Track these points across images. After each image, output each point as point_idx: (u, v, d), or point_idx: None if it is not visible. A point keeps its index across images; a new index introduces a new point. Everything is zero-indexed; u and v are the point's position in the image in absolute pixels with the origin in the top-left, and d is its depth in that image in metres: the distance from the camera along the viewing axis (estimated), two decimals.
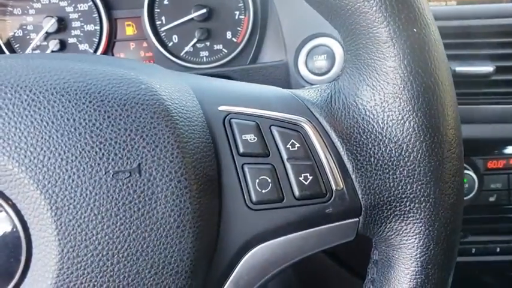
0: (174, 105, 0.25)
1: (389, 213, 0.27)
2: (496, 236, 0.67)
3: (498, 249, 0.67)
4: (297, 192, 0.27)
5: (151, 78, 0.26)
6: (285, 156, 0.27)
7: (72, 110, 0.23)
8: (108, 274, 0.23)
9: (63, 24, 0.69)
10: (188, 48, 0.72)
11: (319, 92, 0.30)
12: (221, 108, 0.28)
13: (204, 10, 0.70)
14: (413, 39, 0.25)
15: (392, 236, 0.28)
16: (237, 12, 0.71)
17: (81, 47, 0.71)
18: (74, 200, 0.22)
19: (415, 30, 0.25)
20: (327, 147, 0.27)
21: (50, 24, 0.68)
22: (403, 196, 0.27)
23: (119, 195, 0.23)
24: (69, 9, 0.69)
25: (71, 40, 0.70)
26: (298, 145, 0.27)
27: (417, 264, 0.27)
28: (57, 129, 0.22)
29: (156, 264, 0.23)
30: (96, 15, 0.70)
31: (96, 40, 0.71)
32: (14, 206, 0.22)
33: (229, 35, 0.72)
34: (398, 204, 0.27)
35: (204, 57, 0.72)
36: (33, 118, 0.22)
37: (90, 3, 0.69)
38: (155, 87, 0.25)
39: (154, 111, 0.24)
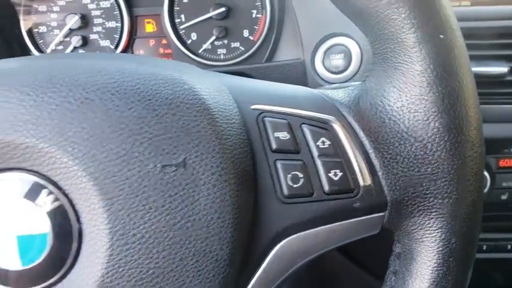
0: (214, 104, 0.27)
1: (413, 208, 0.29)
2: (507, 234, 0.69)
3: (509, 247, 0.68)
4: (326, 188, 0.28)
5: (193, 79, 0.27)
6: (315, 153, 0.29)
7: (122, 108, 0.25)
8: (154, 261, 0.24)
9: (85, 21, 0.71)
10: (206, 45, 0.73)
11: (347, 93, 0.31)
12: (254, 107, 0.29)
13: (223, 9, 0.71)
14: (440, 44, 0.27)
15: (416, 230, 0.29)
16: (254, 11, 0.73)
17: (103, 43, 0.73)
18: (124, 191, 0.24)
19: (441, 36, 0.27)
20: (355, 145, 0.29)
21: (73, 21, 0.70)
22: (427, 192, 0.28)
23: (165, 187, 0.24)
24: (91, 6, 0.71)
25: (92, 36, 0.72)
26: (328, 143, 0.29)
27: (439, 256, 0.29)
28: (109, 125, 0.24)
29: (197, 252, 0.25)
30: (117, 12, 0.71)
31: (117, 37, 0.72)
32: (67, 196, 0.24)
33: (246, 33, 0.74)
34: (422, 200, 0.29)
35: (222, 55, 0.74)
36: (86, 115, 0.24)
37: (112, 0, 0.71)
38: (197, 88, 0.27)
39: (197, 110, 0.26)
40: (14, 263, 0.24)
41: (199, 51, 0.74)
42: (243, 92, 0.30)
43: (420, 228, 0.29)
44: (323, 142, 0.29)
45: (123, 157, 0.24)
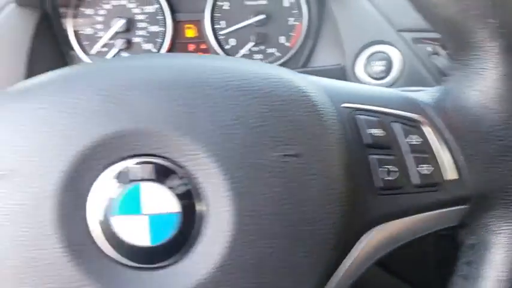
0: (319, 102, 0.29)
1: (493, 202, 0.31)
2: None
3: None
4: (415, 181, 0.31)
5: (298, 80, 0.30)
6: (406, 149, 0.31)
7: (242, 104, 0.27)
8: (272, 241, 0.27)
9: (129, 25, 0.73)
10: (244, 51, 0.76)
11: (429, 94, 0.34)
12: (344, 105, 0.32)
13: (263, 16, 0.74)
14: None
15: (493, 222, 0.32)
16: (291, 19, 0.76)
17: (145, 46, 0.75)
18: (249, 177, 0.26)
19: None
20: (442, 143, 0.31)
21: (119, 25, 0.72)
22: (508, 187, 0.31)
23: (284, 175, 0.27)
24: (136, 11, 0.74)
25: (135, 40, 0.74)
26: (416, 139, 0.31)
27: None
28: (231, 118, 0.27)
29: (308, 235, 0.27)
30: (160, 17, 0.74)
31: (160, 41, 0.75)
32: (195, 180, 0.27)
33: (282, 39, 0.76)
34: (502, 194, 0.31)
35: (258, 60, 0.76)
36: (212, 109, 0.27)
37: (157, 5, 0.73)
38: (303, 87, 0.29)
39: (306, 106, 0.28)
40: (143, 240, 0.26)
41: (237, 57, 0.76)
42: (333, 92, 0.32)
43: (498, 221, 0.32)
44: (413, 139, 0.31)
45: (247, 147, 0.26)
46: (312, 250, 0.28)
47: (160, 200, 0.26)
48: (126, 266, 0.26)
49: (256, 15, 0.75)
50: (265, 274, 0.27)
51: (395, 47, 0.63)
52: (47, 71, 0.65)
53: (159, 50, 0.75)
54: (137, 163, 0.26)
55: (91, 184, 0.26)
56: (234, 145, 0.26)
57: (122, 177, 0.26)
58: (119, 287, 0.26)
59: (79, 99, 0.26)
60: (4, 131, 0.26)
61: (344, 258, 0.31)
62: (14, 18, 0.65)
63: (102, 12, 0.73)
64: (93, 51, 0.74)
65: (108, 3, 0.73)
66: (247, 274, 0.27)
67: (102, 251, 0.26)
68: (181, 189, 0.26)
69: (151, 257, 0.27)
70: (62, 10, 0.72)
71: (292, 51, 0.76)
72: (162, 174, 0.26)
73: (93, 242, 0.26)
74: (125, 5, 0.74)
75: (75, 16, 0.73)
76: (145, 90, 0.27)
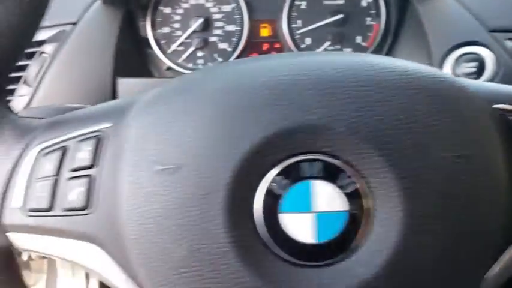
0: (479, 102, 0.28)
1: None
2: None
3: None
4: None
5: (453, 78, 0.29)
6: None
7: (414, 102, 0.26)
8: (439, 242, 0.25)
9: (207, 24, 0.74)
10: (320, 50, 0.75)
11: None
12: (495, 106, 0.30)
13: (342, 15, 0.73)
14: None
15: None
16: (369, 19, 0.74)
17: (221, 45, 0.75)
18: (421, 178, 0.25)
19: None
20: None
21: (197, 24, 0.72)
22: None
23: (453, 176, 0.26)
24: (213, 10, 0.74)
25: (212, 39, 0.74)
26: None
27: None
28: (403, 117, 0.26)
29: (475, 237, 0.26)
30: (237, 16, 0.74)
31: (235, 40, 0.74)
32: (365, 180, 0.26)
33: (359, 39, 0.75)
34: None
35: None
36: (382, 108, 0.26)
37: (234, 5, 0.73)
38: (464, 86, 0.28)
39: (471, 106, 0.28)
40: (309, 238, 0.26)
41: None
42: (482, 92, 0.31)
43: None
44: None
45: (418, 146, 0.25)
46: (477, 251, 0.26)
47: (329, 198, 0.25)
48: (290, 263, 0.26)
49: (333, 14, 0.74)
50: (429, 275, 0.26)
51: (488, 47, 0.61)
52: (131, 67, 0.65)
53: (234, 49, 0.74)
54: (307, 160, 0.26)
55: (259, 180, 0.26)
56: (405, 145, 0.25)
57: (292, 174, 0.26)
58: (282, 283, 0.25)
59: (250, 95, 0.26)
60: (172, 127, 0.26)
61: (496, 261, 0.29)
62: (100, 15, 0.66)
63: (180, 11, 0.74)
64: (170, 50, 0.74)
65: (186, 2, 0.74)
66: (412, 275, 0.26)
67: (267, 247, 0.26)
68: (350, 188, 0.26)
69: (316, 255, 0.26)
70: (141, 9, 0.73)
71: (369, 51, 0.75)
72: (332, 173, 0.26)
73: (259, 238, 0.26)
74: (203, 4, 0.74)
75: (153, 15, 0.73)
76: (315, 88, 0.26)
